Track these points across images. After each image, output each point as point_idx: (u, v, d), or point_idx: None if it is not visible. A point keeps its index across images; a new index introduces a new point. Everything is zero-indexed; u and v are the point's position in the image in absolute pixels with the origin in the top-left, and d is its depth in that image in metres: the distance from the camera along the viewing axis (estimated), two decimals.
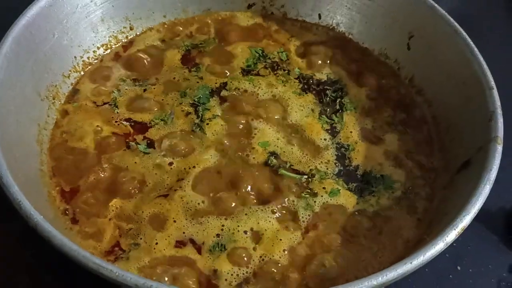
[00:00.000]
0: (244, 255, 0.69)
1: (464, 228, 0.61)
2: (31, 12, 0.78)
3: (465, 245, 0.92)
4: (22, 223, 0.65)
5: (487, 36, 1.33)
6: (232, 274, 0.69)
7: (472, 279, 0.89)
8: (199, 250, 0.70)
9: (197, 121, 0.84)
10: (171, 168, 0.78)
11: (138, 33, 0.96)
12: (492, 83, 0.74)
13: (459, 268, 0.90)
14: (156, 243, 0.70)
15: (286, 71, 0.93)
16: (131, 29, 0.95)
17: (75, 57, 0.88)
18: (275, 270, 0.69)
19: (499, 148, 0.67)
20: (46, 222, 0.56)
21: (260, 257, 0.70)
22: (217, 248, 0.70)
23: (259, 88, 0.90)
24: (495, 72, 0.97)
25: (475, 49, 0.78)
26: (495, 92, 0.73)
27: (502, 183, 0.99)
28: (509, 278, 0.90)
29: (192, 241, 0.71)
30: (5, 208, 0.76)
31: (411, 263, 0.56)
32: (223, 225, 0.72)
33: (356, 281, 0.55)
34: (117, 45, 0.94)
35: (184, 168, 0.78)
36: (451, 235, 0.60)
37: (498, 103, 0.72)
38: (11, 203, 0.60)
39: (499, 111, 0.71)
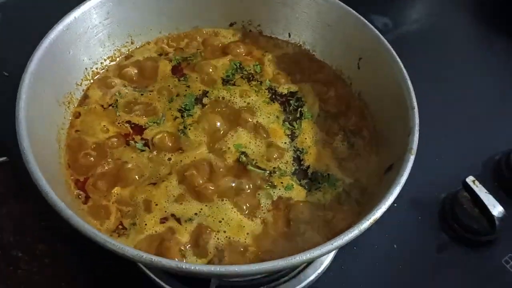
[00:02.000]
0: (214, 235, 0.86)
1: (376, 219, 0.75)
2: (52, 35, 0.92)
3: (403, 228, 1.09)
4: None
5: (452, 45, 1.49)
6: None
7: (405, 256, 1.05)
8: (179, 221, 0.88)
9: (181, 127, 0.99)
10: (169, 162, 0.95)
11: (137, 47, 1.12)
12: (414, 104, 0.88)
13: (395, 246, 1.06)
14: (146, 224, 0.87)
15: (259, 82, 1.09)
16: (132, 43, 1.11)
17: (86, 68, 1.03)
18: (240, 247, 0.85)
19: (412, 157, 0.82)
20: (67, 209, 0.71)
21: (227, 237, 0.86)
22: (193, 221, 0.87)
23: (235, 96, 1.06)
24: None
25: (406, 74, 0.92)
26: (415, 111, 0.87)
27: (438, 175, 1.17)
28: (436, 256, 1.06)
29: (173, 216, 0.89)
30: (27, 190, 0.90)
31: (332, 244, 0.71)
32: (201, 209, 0.89)
33: (295, 255, 0.71)
34: (120, 57, 1.09)
35: (181, 160, 0.95)
36: (365, 225, 0.74)
37: (416, 121, 0.86)
38: (38, 191, 0.74)
39: (416, 127, 0.85)
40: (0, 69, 1.21)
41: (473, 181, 1.05)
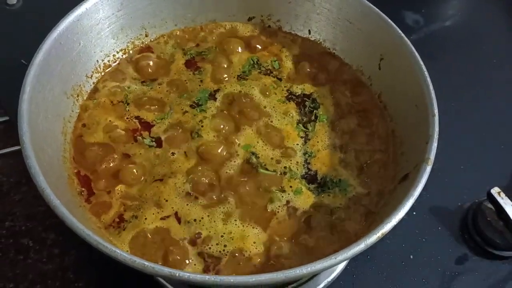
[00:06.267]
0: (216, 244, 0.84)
1: (385, 233, 0.71)
2: (61, 26, 0.90)
3: (421, 238, 1.06)
4: None
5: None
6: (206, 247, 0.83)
7: (421, 267, 1.02)
8: (179, 221, 0.86)
9: (192, 122, 0.96)
10: (173, 158, 0.92)
11: (152, 39, 1.09)
12: (435, 110, 0.83)
13: (411, 257, 1.03)
14: (146, 218, 0.85)
15: (278, 79, 1.05)
16: (146, 35, 1.08)
17: (97, 60, 1.01)
18: (241, 255, 0.82)
19: (428, 168, 0.77)
20: (62, 206, 0.70)
21: (227, 245, 0.84)
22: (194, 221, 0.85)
23: (250, 94, 1.01)
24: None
25: (428, 79, 0.87)
26: (436, 119, 0.82)
27: (461, 183, 1.13)
28: (454, 268, 1.03)
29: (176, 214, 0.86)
30: None
31: (335, 258, 0.67)
32: (202, 217, 0.86)
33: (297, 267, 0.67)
34: (133, 50, 1.07)
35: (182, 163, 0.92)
36: (372, 239, 0.70)
37: (436, 129, 0.81)
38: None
39: (435, 136, 0.80)
40: (19, 57, 1.19)
41: (499, 193, 1.02)
